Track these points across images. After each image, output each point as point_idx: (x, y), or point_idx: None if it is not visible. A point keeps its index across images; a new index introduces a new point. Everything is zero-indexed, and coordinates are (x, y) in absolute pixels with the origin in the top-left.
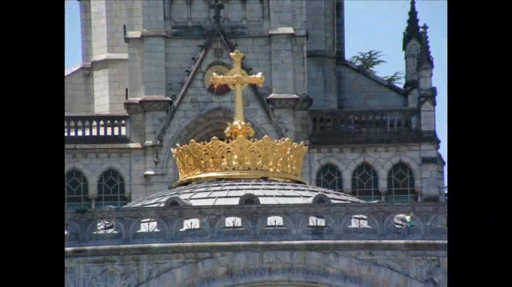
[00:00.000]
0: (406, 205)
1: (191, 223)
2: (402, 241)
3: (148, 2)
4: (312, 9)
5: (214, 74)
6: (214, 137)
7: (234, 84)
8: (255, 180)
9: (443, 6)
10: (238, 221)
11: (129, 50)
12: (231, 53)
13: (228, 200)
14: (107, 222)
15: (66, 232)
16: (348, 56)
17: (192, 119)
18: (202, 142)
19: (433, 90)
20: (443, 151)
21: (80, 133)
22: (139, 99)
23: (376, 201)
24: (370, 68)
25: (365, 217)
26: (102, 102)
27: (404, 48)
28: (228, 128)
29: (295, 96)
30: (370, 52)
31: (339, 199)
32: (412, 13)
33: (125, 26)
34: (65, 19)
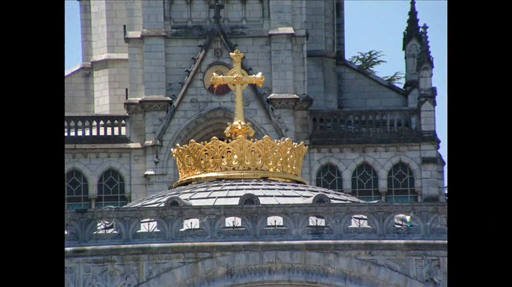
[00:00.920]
0: (406, 205)
1: (191, 223)
2: (402, 241)
3: (148, 2)
4: (312, 9)
5: (214, 74)
6: (214, 137)
7: (234, 84)
8: (255, 180)
9: (443, 6)
10: (238, 221)
11: (129, 50)
12: (231, 53)
13: (228, 200)
14: (107, 222)
15: (66, 232)
16: (347, 56)
17: (192, 119)
18: (202, 142)
19: (433, 91)
20: (443, 151)
21: (80, 133)
22: (139, 99)
23: (376, 201)
24: (370, 68)
25: (365, 217)
26: (102, 102)
27: (404, 48)
28: (228, 128)
29: (295, 96)
30: (370, 52)
31: (339, 199)
32: (412, 13)
33: (124, 26)
34: (65, 19)
